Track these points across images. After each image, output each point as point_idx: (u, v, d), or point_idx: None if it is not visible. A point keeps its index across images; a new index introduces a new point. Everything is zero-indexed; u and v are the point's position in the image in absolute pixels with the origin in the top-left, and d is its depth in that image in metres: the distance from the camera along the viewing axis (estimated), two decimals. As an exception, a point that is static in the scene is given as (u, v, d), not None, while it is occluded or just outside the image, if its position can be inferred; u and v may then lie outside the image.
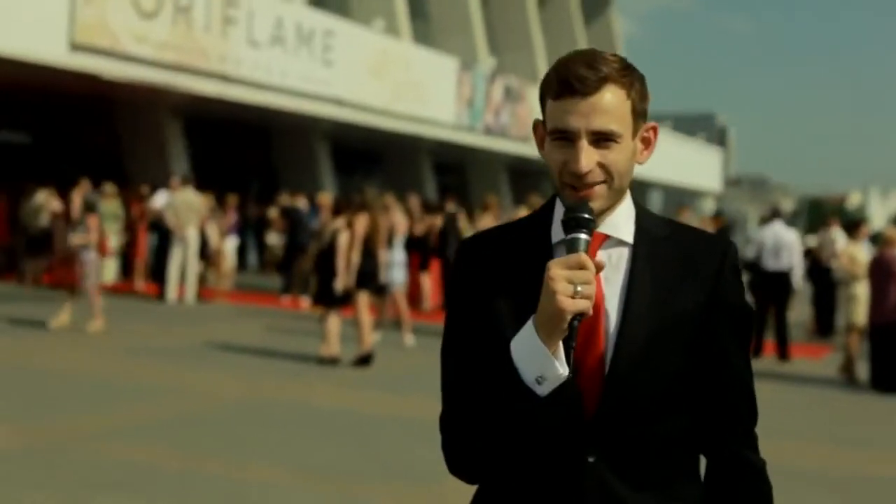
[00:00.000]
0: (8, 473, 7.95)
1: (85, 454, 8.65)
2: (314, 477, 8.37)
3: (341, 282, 13.91)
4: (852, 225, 17.10)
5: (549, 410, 2.28)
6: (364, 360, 14.04)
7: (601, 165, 2.34)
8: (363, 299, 14.22)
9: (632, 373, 2.35)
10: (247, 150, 34.83)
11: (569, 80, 2.33)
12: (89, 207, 16.29)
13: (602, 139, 2.33)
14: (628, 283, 2.41)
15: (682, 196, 64.28)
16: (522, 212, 18.54)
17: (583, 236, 2.29)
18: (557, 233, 2.42)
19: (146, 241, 22.87)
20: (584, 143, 2.32)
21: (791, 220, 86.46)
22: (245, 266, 29.46)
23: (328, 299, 14.15)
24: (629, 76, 2.38)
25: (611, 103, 2.33)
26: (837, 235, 21.32)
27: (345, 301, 14.18)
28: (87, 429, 9.60)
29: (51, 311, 16.87)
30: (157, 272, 21.64)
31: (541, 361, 2.25)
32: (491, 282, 2.44)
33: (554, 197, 2.51)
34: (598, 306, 2.35)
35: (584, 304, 2.20)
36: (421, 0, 39.67)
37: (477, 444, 2.39)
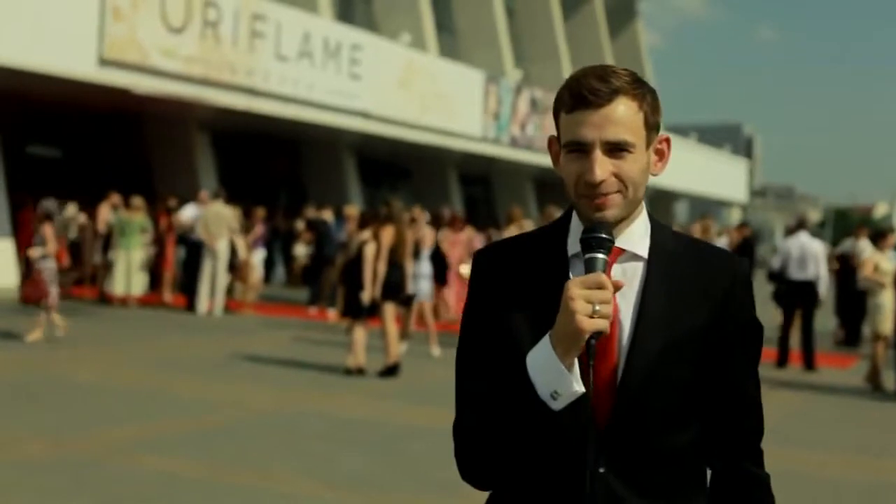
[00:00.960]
0: (41, 485, 8.05)
1: (116, 466, 8.74)
2: (342, 488, 8.43)
3: (368, 293, 13.99)
4: (878, 234, 17.05)
5: (563, 424, 2.32)
6: (390, 371, 14.12)
7: (615, 175, 2.37)
8: (389, 310, 14.30)
9: (643, 386, 2.39)
10: (274, 163, 34.99)
11: (581, 93, 2.37)
12: (47, 216, 16.26)
13: (616, 149, 2.36)
14: (642, 297, 2.44)
15: (707, 206, 64.16)
16: (529, 224, 18.61)
17: (601, 256, 2.33)
18: (573, 245, 2.46)
19: (174, 254, 23.01)
20: (599, 154, 2.35)
21: (817, 231, 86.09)
22: (271, 278, 29.58)
23: (355, 310, 14.24)
24: (640, 89, 2.42)
25: (623, 114, 2.37)
26: (866, 245, 21.29)
27: (371, 312, 14.27)
28: (118, 441, 9.69)
29: (78, 322, 17.03)
30: (186, 284, 21.78)
31: (556, 377, 2.29)
32: (507, 293, 2.48)
33: (570, 209, 2.55)
34: (612, 319, 2.35)
35: (601, 324, 2.24)
36: (447, 13, 39.81)
37: (488, 453, 2.43)
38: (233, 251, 21.44)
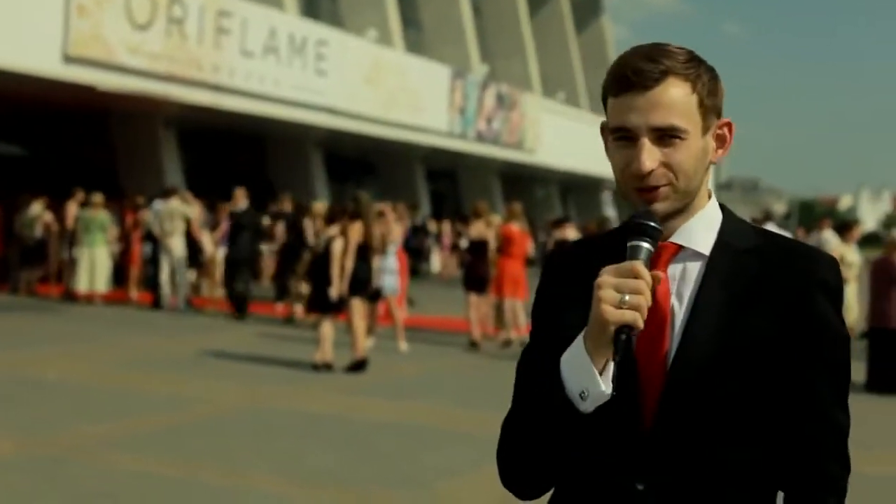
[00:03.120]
0: (10, 483, 8.05)
1: (85, 464, 8.76)
2: (312, 484, 8.47)
3: (336, 289, 14.03)
4: (844, 227, 17.18)
5: (593, 428, 2.15)
6: (358, 367, 14.16)
7: (665, 165, 2.18)
8: (357, 306, 14.34)
9: (690, 393, 2.18)
10: (240, 160, 34.91)
11: (626, 75, 2.19)
12: None
13: (665, 136, 2.18)
14: (695, 299, 2.23)
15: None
16: (495, 219, 18.64)
17: (644, 244, 2.14)
18: None
19: (140, 251, 22.95)
20: (646, 142, 2.17)
21: (782, 223, 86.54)
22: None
23: (322, 306, 14.28)
24: (695, 69, 2.22)
25: (673, 97, 2.17)
26: (830, 237, 21.43)
27: (339, 307, 14.32)
28: (88, 439, 9.70)
29: (44, 320, 16.99)
30: (152, 281, 21.72)
31: (584, 375, 2.12)
32: (568, 293, 2.33)
33: None
34: (665, 320, 2.21)
35: (629, 316, 2.05)
36: (413, 9, 39.82)
37: (523, 456, 2.29)
38: (197, 248, 21.40)
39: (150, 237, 22.01)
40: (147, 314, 20.10)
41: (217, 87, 25.06)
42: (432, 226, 36.07)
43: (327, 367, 14.05)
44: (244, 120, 27.94)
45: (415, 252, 31.45)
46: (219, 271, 22.86)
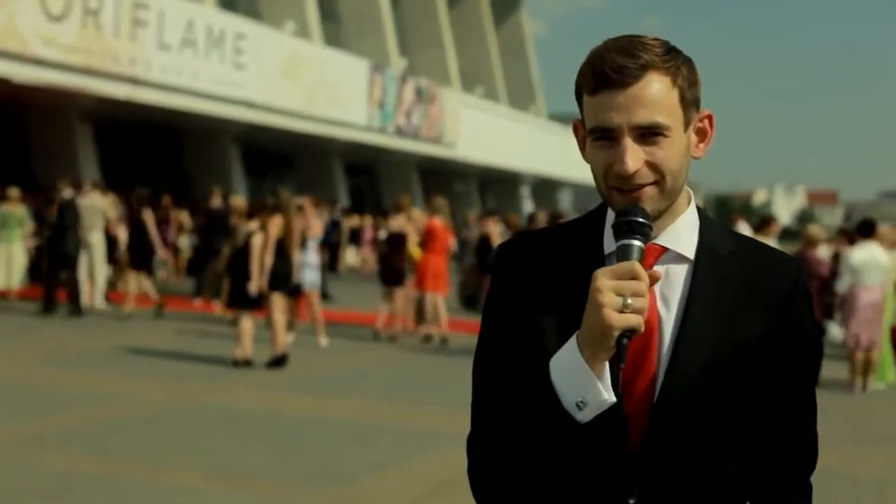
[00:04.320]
0: (-73, 482, 7.94)
1: (8, 463, 8.64)
2: (235, 480, 8.43)
3: (255, 284, 13.97)
4: (763, 222, 17.33)
5: (589, 440, 2.05)
6: (278, 362, 14.10)
7: (650, 164, 2.08)
8: (277, 301, 14.28)
9: (684, 404, 2.11)
10: (158, 154, 34.60)
11: (605, 72, 2.07)
12: None
13: (648, 134, 2.07)
14: (686, 303, 2.15)
15: (592, 195, 64.79)
16: (417, 213, 18.66)
17: (636, 243, 2.04)
18: (610, 243, 2.18)
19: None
20: (629, 141, 2.06)
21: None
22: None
23: (242, 301, 14.20)
24: (674, 60, 2.11)
25: (655, 93, 2.07)
26: (744, 230, 21.68)
27: (258, 303, 14.25)
28: (10, 437, 9.57)
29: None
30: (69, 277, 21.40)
31: (583, 384, 2.01)
32: (534, 290, 2.21)
33: (603, 204, 2.26)
34: (652, 327, 2.11)
35: (634, 320, 1.96)
36: (331, 2, 39.69)
37: (507, 471, 2.14)
38: (113, 243, 21.15)
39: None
40: (65, 310, 19.81)
41: (134, 80, 24.79)
42: (353, 220, 35.96)
43: (247, 363, 13.97)
44: (161, 113, 27.68)
45: (333, 247, 31.37)
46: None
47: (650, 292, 2.04)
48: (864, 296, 14.34)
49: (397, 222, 17.79)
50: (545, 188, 59.83)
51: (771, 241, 17.03)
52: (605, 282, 1.97)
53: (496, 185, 55.28)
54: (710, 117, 2.22)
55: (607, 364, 2.01)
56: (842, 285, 14.49)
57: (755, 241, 2.33)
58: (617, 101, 2.06)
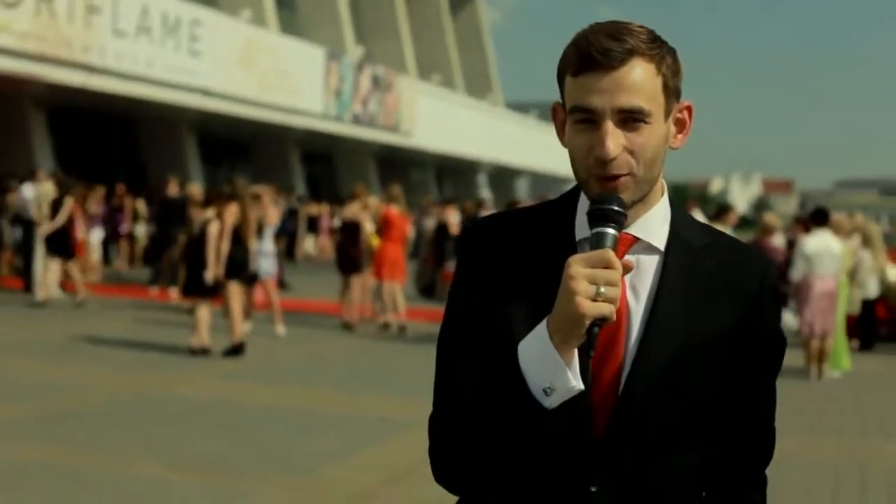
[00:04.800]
0: None
1: (-43, 452, 8.57)
2: (192, 470, 8.38)
3: (212, 272, 13.91)
4: (720, 211, 17.41)
5: (554, 426, 2.04)
6: (235, 351, 14.05)
7: (628, 151, 2.06)
8: (234, 289, 14.23)
9: (649, 395, 2.11)
10: (113, 141, 34.38)
11: (590, 54, 2.05)
12: None
13: (629, 119, 2.06)
14: (656, 294, 2.15)
15: (549, 183, 65.00)
16: (373, 201, 18.64)
17: (610, 231, 2.03)
18: (582, 228, 2.16)
19: (10, 235, 22.44)
20: (610, 125, 2.05)
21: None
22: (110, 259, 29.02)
23: (198, 290, 14.14)
24: (659, 49, 2.10)
25: (639, 79, 2.05)
26: (699, 218, 21.80)
27: (214, 291, 14.19)
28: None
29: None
30: (22, 266, 21.27)
31: (551, 370, 2.00)
32: (502, 273, 2.19)
33: (576, 188, 2.24)
34: (621, 317, 2.09)
35: (606, 309, 1.95)
36: (288, -10, 39.53)
37: (468, 454, 2.14)
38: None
39: (18, 220, 21.55)
40: (18, 299, 19.66)
41: (88, 68, 24.60)
42: (311, 209, 35.85)
43: (204, 351, 13.92)
44: (116, 101, 27.50)
45: (290, 235, 31.29)
46: (92, 255, 22.51)
47: (621, 280, 2.02)
48: (817, 284, 14.43)
49: (351, 210, 17.74)
50: (502, 176, 59.87)
51: (727, 230, 17.13)
52: (578, 269, 1.96)
53: (453, 173, 55.30)
54: (689, 108, 2.22)
55: (576, 351, 2.01)
56: (796, 273, 14.57)
57: (727, 235, 2.32)
58: (601, 83, 2.05)
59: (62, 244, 19.43)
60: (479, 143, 48.09)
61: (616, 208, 2.04)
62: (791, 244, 17.84)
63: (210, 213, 14.34)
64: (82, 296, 18.88)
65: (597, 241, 2.03)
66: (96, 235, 23.87)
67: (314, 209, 36.13)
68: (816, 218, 14.96)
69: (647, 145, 2.08)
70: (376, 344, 15.93)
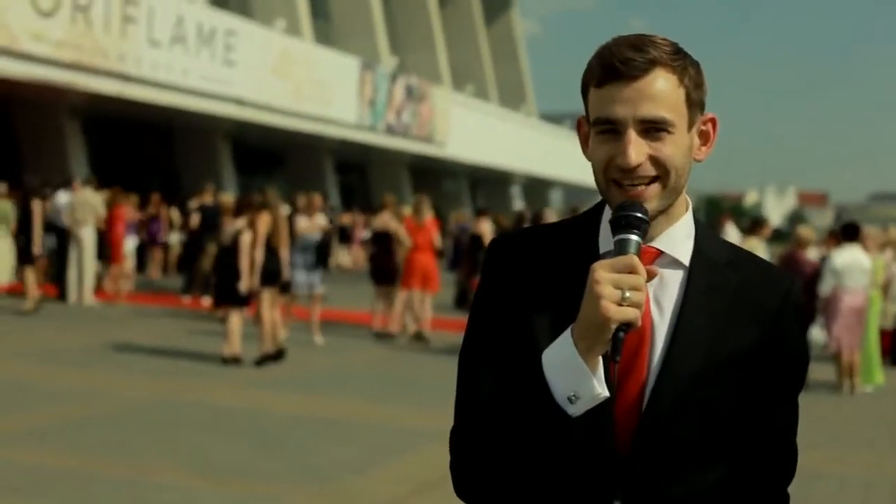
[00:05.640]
0: None
1: (-14, 458, 8.61)
2: (220, 478, 8.39)
3: (245, 282, 13.95)
4: (754, 224, 17.32)
5: (579, 435, 2.04)
6: (274, 358, 14.15)
7: (653, 159, 2.08)
8: (267, 298, 14.27)
9: (673, 411, 2.10)
10: (148, 150, 34.55)
11: (613, 65, 2.08)
12: None
13: (653, 129, 2.07)
14: (680, 309, 2.15)
15: (582, 194, 64.88)
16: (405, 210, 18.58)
17: (634, 237, 2.03)
18: (606, 242, 2.16)
19: (43, 242, 22.54)
20: (633, 134, 2.06)
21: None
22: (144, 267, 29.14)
23: (230, 298, 14.18)
24: (681, 61, 2.12)
25: (662, 89, 2.08)
26: (731, 231, 21.70)
27: (246, 300, 14.23)
28: (-12, 432, 9.54)
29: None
30: (57, 273, 21.38)
31: (576, 377, 1.99)
32: (526, 286, 2.20)
33: (601, 203, 2.25)
34: (645, 330, 2.11)
35: (632, 313, 1.95)
36: (322, 0, 39.64)
37: (491, 466, 2.13)
38: (102, 239, 21.08)
39: (52, 228, 21.66)
40: (52, 306, 19.77)
41: (123, 77, 24.76)
42: (344, 219, 35.89)
43: (236, 360, 13.95)
44: (151, 110, 27.65)
45: (324, 246, 31.29)
46: (125, 263, 22.60)
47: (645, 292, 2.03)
48: (846, 299, 14.33)
49: (382, 220, 17.72)
50: (536, 187, 59.82)
51: (761, 244, 17.03)
52: (603, 274, 1.96)
53: (486, 183, 55.28)
54: (713, 120, 2.22)
55: (601, 359, 2.00)
56: (825, 287, 14.48)
57: (749, 253, 2.32)
58: (623, 93, 2.07)
59: (28, 250, 19.49)
60: (512, 153, 48.08)
61: (639, 215, 2.04)
62: (824, 258, 17.71)
63: (241, 222, 14.36)
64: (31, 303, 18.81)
65: (620, 248, 2.03)
66: (131, 243, 23.94)
67: (347, 219, 36.16)
68: (847, 232, 14.86)
69: (672, 155, 2.09)
70: (406, 354, 15.91)
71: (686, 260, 2.19)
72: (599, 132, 2.11)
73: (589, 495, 2.11)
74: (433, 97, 40.83)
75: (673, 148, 2.09)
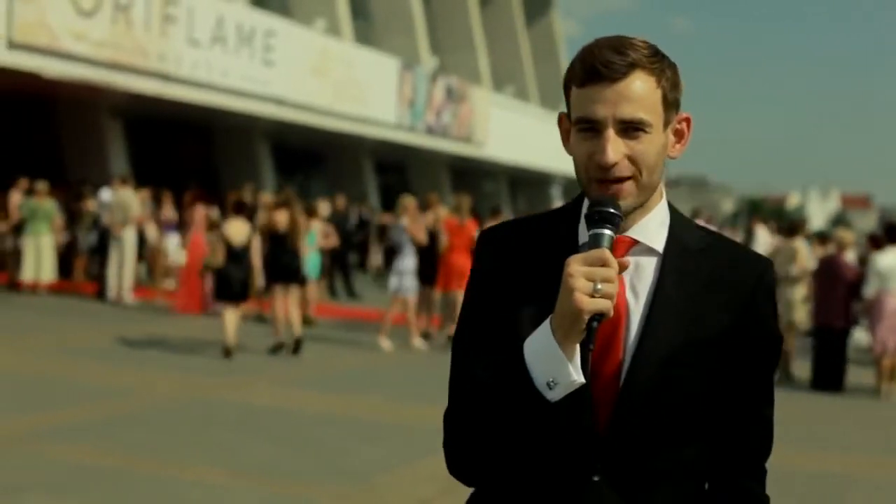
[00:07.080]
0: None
1: (20, 454, 8.68)
2: (250, 476, 8.44)
3: (258, 278, 14.76)
4: (792, 227, 17.25)
5: (558, 417, 2.15)
6: (280, 349, 14.89)
7: (629, 158, 2.19)
8: (279, 292, 14.99)
9: (648, 390, 2.22)
10: (187, 150, 34.69)
11: (595, 66, 2.18)
12: None
13: (630, 129, 2.18)
14: (654, 295, 2.26)
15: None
16: (444, 211, 18.55)
17: (607, 232, 2.15)
18: (585, 234, 2.25)
19: (85, 241, 22.70)
20: (611, 133, 2.18)
21: (732, 221, 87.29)
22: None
23: (227, 294, 14.68)
24: (659, 63, 2.23)
25: (640, 91, 2.18)
26: (761, 233, 21.64)
27: (243, 296, 14.80)
28: (23, 429, 9.60)
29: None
30: (97, 272, 21.52)
31: (554, 364, 2.12)
32: (511, 275, 2.32)
33: (582, 195, 2.36)
34: (620, 315, 2.23)
35: (603, 304, 2.07)
36: (362, 0, 39.69)
37: (479, 446, 2.25)
38: (142, 238, 21.22)
39: (94, 226, 21.82)
40: (91, 304, 19.92)
41: (163, 76, 24.87)
42: (384, 218, 35.85)
43: (227, 353, 14.27)
44: (191, 109, 27.76)
45: (362, 246, 31.39)
46: (165, 261, 22.74)
47: (620, 281, 2.17)
48: (890, 301, 14.26)
49: (426, 220, 17.70)
50: (575, 188, 59.12)
51: (804, 245, 16.90)
52: (576, 268, 2.09)
53: (526, 184, 55.20)
54: (688, 120, 2.34)
55: (578, 347, 2.12)
56: (869, 290, 14.40)
57: (726, 238, 2.44)
58: (604, 94, 2.18)
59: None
60: (551, 154, 47.88)
61: (612, 210, 2.17)
62: (862, 261, 17.59)
63: (282, 216, 14.92)
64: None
65: (593, 242, 2.15)
66: (172, 241, 24.05)
67: (386, 219, 36.13)
68: (890, 234, 14.77)
69: (646, 153, 2.21)
70: (439, 354, 15.92)
71: (660, 248, 2.31)
72: (580, 130, 2.23)
73: (570, 471, 2.24)
74: (472, 98, 40.81)
75: (648, 146, 2.21)
